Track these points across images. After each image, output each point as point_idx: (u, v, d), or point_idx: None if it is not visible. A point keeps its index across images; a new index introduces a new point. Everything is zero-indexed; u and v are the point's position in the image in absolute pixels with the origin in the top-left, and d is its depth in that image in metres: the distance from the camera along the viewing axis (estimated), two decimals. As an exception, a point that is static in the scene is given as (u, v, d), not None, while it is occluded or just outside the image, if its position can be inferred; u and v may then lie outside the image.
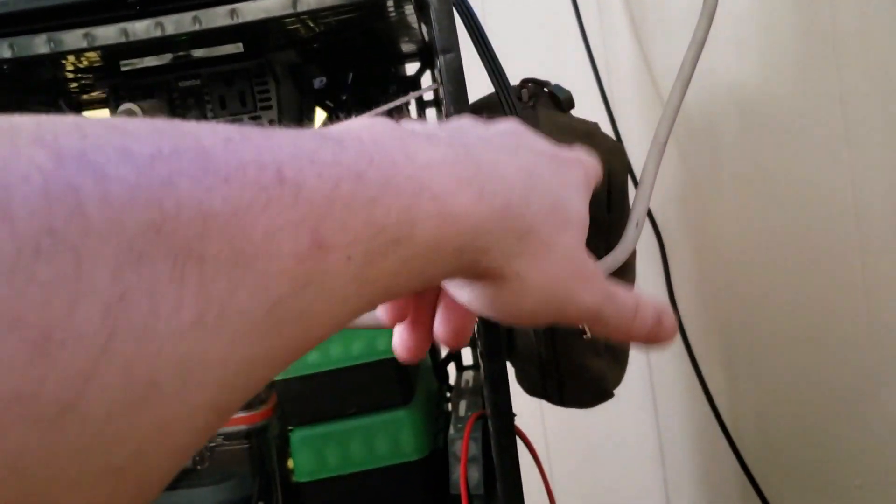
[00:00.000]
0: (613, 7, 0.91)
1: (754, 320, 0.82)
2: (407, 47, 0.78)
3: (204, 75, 0.61)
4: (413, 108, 0.82)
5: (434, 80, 0.80)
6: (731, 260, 0.83)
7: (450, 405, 0.81)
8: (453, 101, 0.48)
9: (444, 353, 0.84)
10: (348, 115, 0.81)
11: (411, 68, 0.83)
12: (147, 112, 0.57)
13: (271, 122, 0.62)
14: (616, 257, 0.53)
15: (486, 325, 0.49)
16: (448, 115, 0.51)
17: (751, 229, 0.81)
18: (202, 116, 0.61)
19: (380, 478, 0.63)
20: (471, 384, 0.79)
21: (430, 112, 0.82)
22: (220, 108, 0.61)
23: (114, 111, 0.61)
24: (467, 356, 0.85)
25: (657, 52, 0.88)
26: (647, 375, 0.88)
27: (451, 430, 0.66)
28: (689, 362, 0.84)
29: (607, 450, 0.94)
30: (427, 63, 0.81)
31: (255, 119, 0.61)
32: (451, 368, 0.84)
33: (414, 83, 0.81)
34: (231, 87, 0.61)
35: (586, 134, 0.59)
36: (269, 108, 0.61)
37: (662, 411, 0.94)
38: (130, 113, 0.55)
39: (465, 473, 0.59)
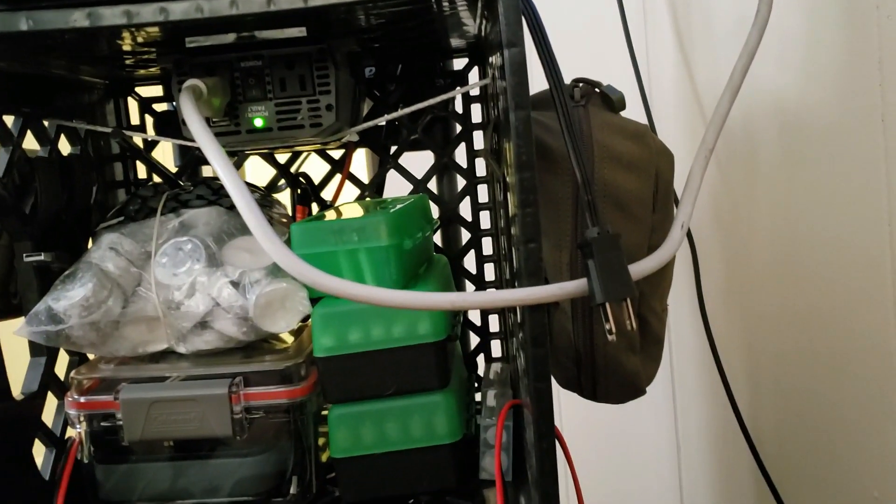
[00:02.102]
0: (659, 16, 0.92)
1: (781, 328, 0.83)
2: (456, 42, 0.80)
3: (266, 57, 0.62)
4: (459, 102, 0.83)
5: (483, 76, 0.82)
6: (762, 269, 0.84)
7: (479, 395, 0.82)
8: (515, 94, 0.49)
9: (473, 344, 0.86)
10: (395, 107, 0.83)
11: (458, 63, 0.85)
12: (211, 89, 0.59)
13: (328, 107, 0.63)
14: (661, 257, 0.54)
15: (531, 310, 0.51)
16: (507, 109, 0.53)
17: (782, 240, 0.82)
18: (262, 97, 0.63)
19: (413, 458, 0.64)
20: (500, 375, 0.81)
21: (476, 108, 0.83)
22: (279, 89, 0.63)
23: (176, 86, 0.63)
24: (496, 348, 0.86)
25: (700, 63, 0.89)
26: (669, 374, 0.89)
27: (483, 418, 0.68)
28: (714, 363, 0.85)
29: (624, 445, 0.95)
30: (475, 59, 0.82)
31: (314, 102, 0.63)
32: (480, 359, 0.86)
33: (461, 78, 0.83)
34: (292, 69, 0.63)
35: (636, 134, 0.60)
36: (328, 92, 0.63)
37: (682, 410, 0.95)
38: (196, 88, 0.57)
39: (499, 459, 0.61)
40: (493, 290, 0.51)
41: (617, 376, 0.61)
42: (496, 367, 0.85)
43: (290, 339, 0.70)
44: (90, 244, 0.74)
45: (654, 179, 0.60)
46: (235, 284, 0.64)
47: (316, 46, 0.62)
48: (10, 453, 0.58)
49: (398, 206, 0.71)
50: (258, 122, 0.63)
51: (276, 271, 0.65)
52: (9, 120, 0.64)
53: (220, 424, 0.62)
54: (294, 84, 0.63)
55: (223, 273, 0.64)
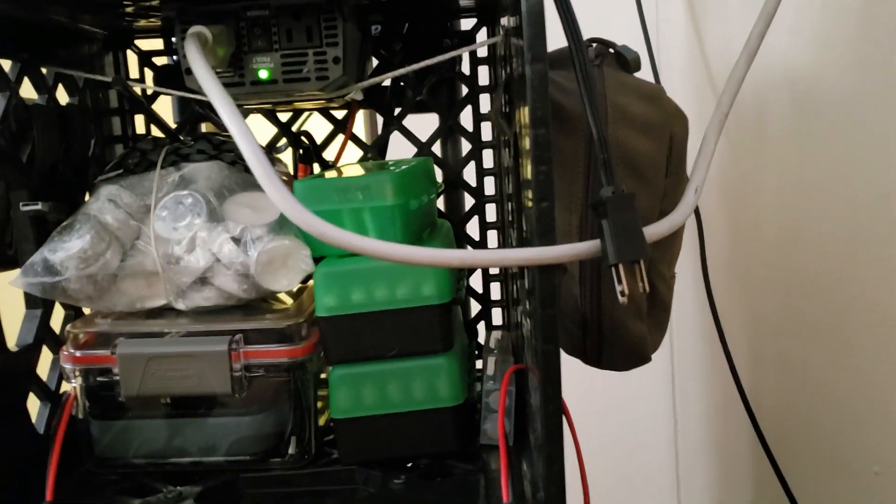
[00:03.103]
0: (670, -19, 0.91)
1: (784, 301, 0.82)
2: (464, 2, 0.78)
3: (273, 6, 0.61)
4: (466, 64, 0.82)
5: (492, 36, 0.80)
6: (767, 241, 0.83)
7: (479, 362, 0.81)
8: (532, 47, 0.48)
9: (474, 312, 0.85)
10: (400, 67, 0.81)
11: (466, 24, 0.83)
12: (216, 37, 0.57)
13: (335, 60, 0.62)
14: (674, 220, 0.53)
15: (541, 270, 0.50)
16: (523, 65, 0.51)
17: (789, 213, 0.81)
18: (268, 48, 0.61)
19: (414, 421, 0.64)
20: (500, 343, 0.80)
21: (483, 69, 0.82)
22: (286, 40, 0.61)
23: (180, 34, 0.61)
24: (497, 317, 0.86)
25: (711, 30, 0.88)
26: (668, 344, 0.88)
27: (485, 383, 0.67)
28: (715, 335, 0.85)
29: (621, 414, 0.94)
30: (484, 19, 0.81)
31: (321, 54, 0.61)
32: (480, 327, 0.85)
33: (469, 39, 0.81)
34: (299, 20, 0.61)
35: (651, 96, 0.59)
36: (335, 44, 0.61)
37: (680, 380, 0.94)
38: (201, 35, 0.55)
39: (503, 423, 0.60)
40: (504, 248, 0.49)
41: (623, 342, 0.61)
42: (496, 334, 0.84)
43: (287, 300, 0.69)
44: (87, 198, 0.72)
45: (668, 143, 0.59)
46: (237, 241, 0.62)
47: (324, -3, 0.60)
48: (4, 406, 0.57)
49: (402, 167, 0.69)
50: (263, 74, 0.62)
51: (278, 228, 0.63)
52: (6, 66, 0.62)
53: (219, 382, 0.61)
54: (301, 35, 0.61)
55: (224, 228, 0.63)
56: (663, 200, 0.59)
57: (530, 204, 0.53)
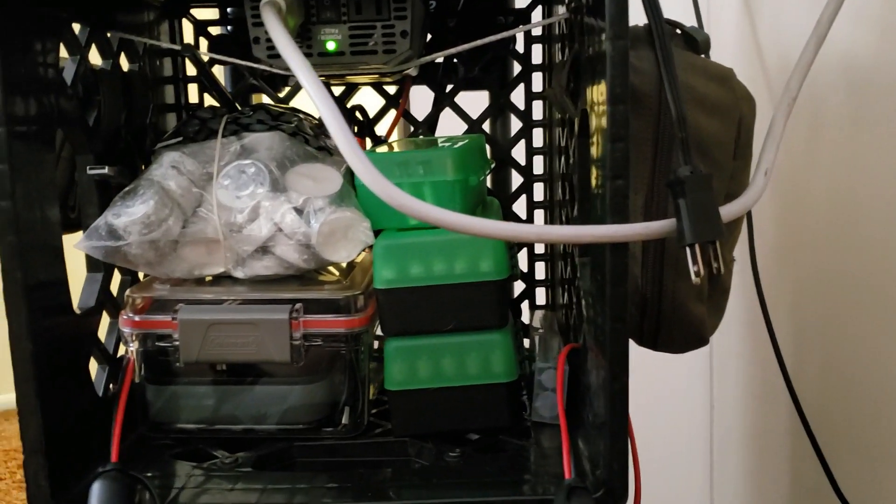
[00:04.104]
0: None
1: (831, 290, 0.82)
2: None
3: (343, -22, 0.61)
4: (521, 42, 0.81)
5: (547, 15, 0.80)
6: (817, 230, 0.83)
7: (526, 340, 0.82)
8: (613, 24, 0.48)
9: (517, 292, 0.85)
10: (455, 41, 0.81)
11: (519, 2, 0.83)
12: (289, 7, 0.57)
13: (403, 34, 0.62)
14: (745, 202, 0.53)
15: (613, 248, 0.50)
16: (598, 40, 0.51)
17: (841, 203, 0.81)
18: (336, 19, 0.61)
19: (467, 395, 0.64)
20: (545, 322, 0.81)
21: (537, 48, 0.82)
22: (355, 12, 0.61)
23: (249, 4, 0.61)
24: (541, 296, 0.86)
25: (766, 16, 0.87)
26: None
27: (538, 361, 0.67)
28: (757, 322, 0.85)
29: (656, 397, 0.94)
30: (540, -2, 0.80)
31: (388, 28, 0.61)
32: (524, 307, 0.86)
33: (524, 16, 0.81)
34: (369, -8, 0.61)
35: (721, 77, 0.59)
36: (404, 18, 0.61)
37: (719, 365, 0.95)
38: (276, 4, 0.55)
39: (562, 400, 0.60)
40: (580, 225, 0.50)
41: (682, 324, 0.61)
42: (539, 314, 0.84)
43: (334, 272, 0.69)
44: (142, 164, 0.73)
45: (736, 125, 0.59)
46: (299, 211, 0.63)
47: (394, -30, 0.60)
48: (69, 367, 0.58)
49: (459, 144, 0.69)
50: (331, 46, 0.62)
51: (339, 200, 0.64)
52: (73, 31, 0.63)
53: (278, 350, 0.61)
54: (370, 7, 0.61)
55: (287, 199, 0.63)
56: (730, 183, 0.59)
57: (597, 182, 0.53)
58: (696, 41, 0.60)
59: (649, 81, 0.57)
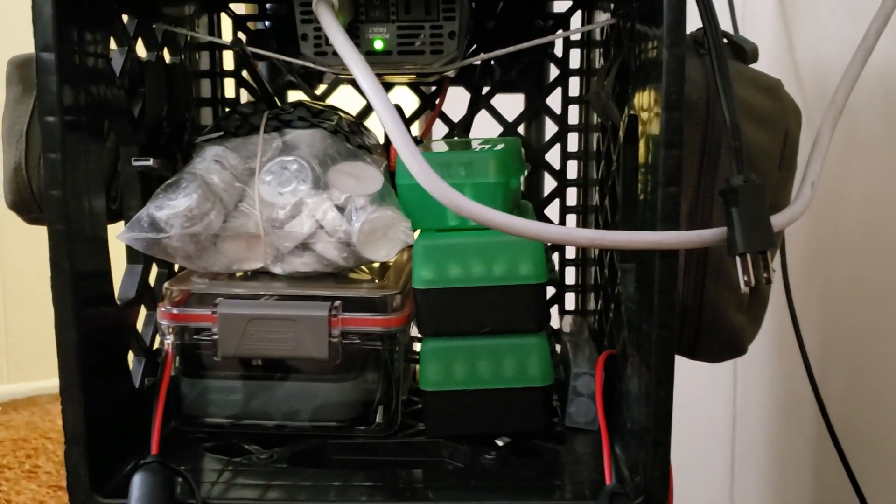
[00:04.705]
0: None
1: (861, 304, 0.82)
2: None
3: (392, -23, 0.61)
4: (559, 46, 0.81)
5: (587, 20, 0.80)
6: (849, 243, 0.83)
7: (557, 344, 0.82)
8: (671, 32, 0.48)
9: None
10: (492, 45, 0.81)
11: (558, 6, 0.83)
12: (340, 4, 0.58)
13: (451, 35, 0.62)
14: (792, 213, 0.53)
15: (663, 255, 0.50)
16: (651, 47, 0.51)
17: (875, 216, 0.81)
18: (385, 18, 0.61)
19: (503, 398, 0.64)
20: (574, 327, 0.80)
21: (575, 52, 0.82)
22: (403, 12, 0.61)
23: (303, 1, 0.61)
24: (570, 301, 0.86)
25: (802, 32, 0.87)
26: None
27: (574, 367, 0.67)
28: (783, 326, 0.85)
29: (679, 401, 0.94)
30: (580, 1, 0.80)
31: (437, 28, 0.62)
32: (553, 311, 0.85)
33: (563, 21, 0.81)
34: (418, -8, 0.61)
35: (769, 88, 0.59)
36: (452, 19, 0.61)
37: (742, 376, 0.94)
38: (325, 1, 0.55)
39: (602, 406, 0.60)
40: (631, 231, 0.50)
41: (722, 333, 0.61)
42: (568, 319, 0.84)
43: (367, 272, 0.69)
44: (180, 157, 0.73)
45: (783, 136, 0.59)
46: (340, 209, 0.63)
47: (445, -30, 0.60)
48: (109, 359, 0.58)
49: (499, 146, 0.69)
50: (378, 45, 0.62)
51: (380, 199, 0.64)
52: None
53: (316, 346, 0.61)
54: (419, 7, 0.61)
55: (329, 196, 0.63)
56: (774, 193, 0.59)
57: (647, 188, 0.53)
58: (744, 51, 0.59)
59: (697, 89, 0.57)
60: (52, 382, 2.07)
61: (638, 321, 0.56)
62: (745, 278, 0.48)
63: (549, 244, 0.72)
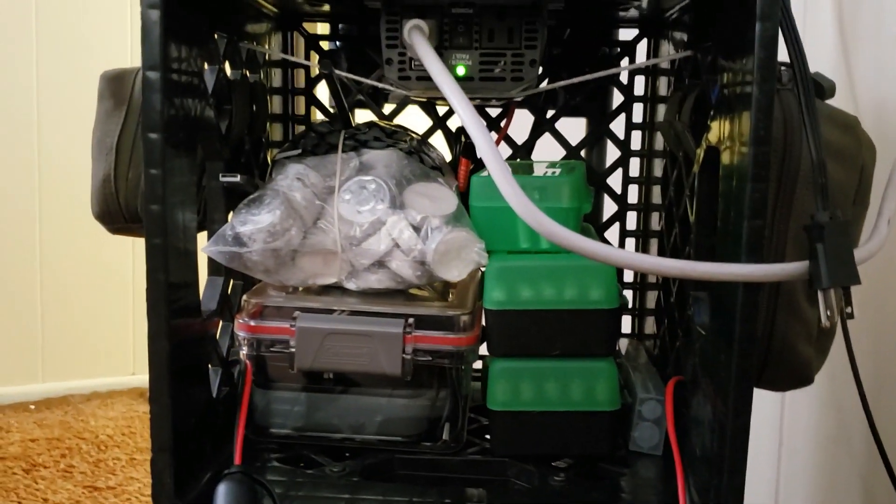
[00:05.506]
0: (822, 10, 0.91)
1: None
2: (625, 13, 0.79)
3: (477, 6, 0.62)
4: (624, 74, 0.83)
5: (653, 49, 0.81)
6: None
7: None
8: (762, 68, 0.49)
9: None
10: (558, 69, 0.82)
11: (624, 34, 0.84)
12: (429, 30, 0.59)
13: (532, 63, 0.63)
14: (871, 249, 0.54)
15: (746, 287, 0.51)
16: (744, 81, 0.52)
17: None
18: (468, 45, 0.63)
19: (570, 421, 0.65)
20: (632, 352, 0.81)
21: (639, 79, 0.83)
22: (487, 40, 0.63)
23: (385, 25, 0.62)
24: (626, 324, 0.87)
25: (863, 66, 0.88)
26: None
27: (639, 392, 0.68)
28: (836, 353, 0.85)
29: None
30: (646, 31, 0.82)
31: (518, 56, 0.63)
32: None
33: (629, 49, 0.82)
34: (502, 20, 0.62)
35: (847, 125, 0.60)
36: (534, 48, 0.63)
37: (790, 404, 0.94)
38: (418, 27, 0.57)
39: (674, 433, 0.61)
40: (719, 262, 0.51)
41: (789, 364, 0.61)
42: (625, 343, 0.85)
43: (431, 291, 0.70)
44: (257, 173, 0.74)
45: (858, 172, 0.59)
46: (416, 229, 0.64)
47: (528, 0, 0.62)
48: (192, 369, 0.59)
49: (569, 171, 0.70)
50: (460, 71, 0.63)
51: (454, 220, 0.65)
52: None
53: (389, 362, 0.63)
54: (502, 36, 0.62)
55: (405, 215, 0.64)
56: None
57: (730, 220, 0.54)
58: (822, 87, 0.60)
59: (776, 125, 0.58)
60: (85, 382, 2.11)
61: (714, 350, 0.56)
62: (829, 313, 0.49)
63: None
